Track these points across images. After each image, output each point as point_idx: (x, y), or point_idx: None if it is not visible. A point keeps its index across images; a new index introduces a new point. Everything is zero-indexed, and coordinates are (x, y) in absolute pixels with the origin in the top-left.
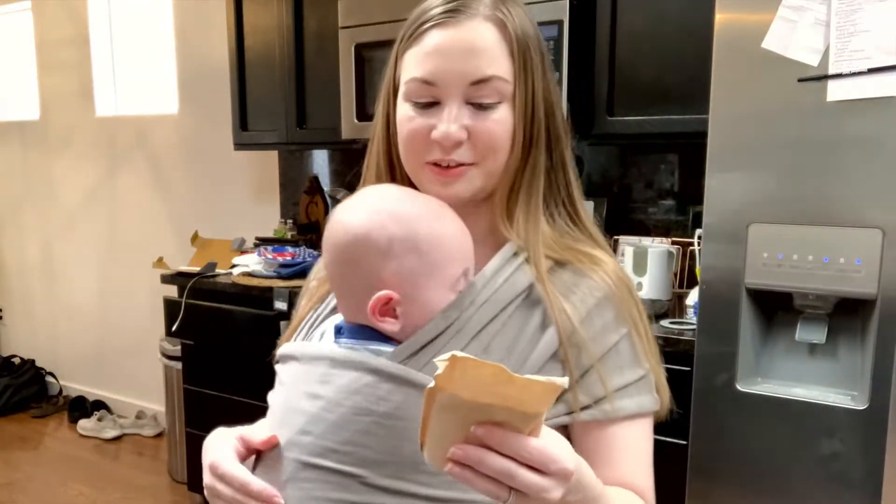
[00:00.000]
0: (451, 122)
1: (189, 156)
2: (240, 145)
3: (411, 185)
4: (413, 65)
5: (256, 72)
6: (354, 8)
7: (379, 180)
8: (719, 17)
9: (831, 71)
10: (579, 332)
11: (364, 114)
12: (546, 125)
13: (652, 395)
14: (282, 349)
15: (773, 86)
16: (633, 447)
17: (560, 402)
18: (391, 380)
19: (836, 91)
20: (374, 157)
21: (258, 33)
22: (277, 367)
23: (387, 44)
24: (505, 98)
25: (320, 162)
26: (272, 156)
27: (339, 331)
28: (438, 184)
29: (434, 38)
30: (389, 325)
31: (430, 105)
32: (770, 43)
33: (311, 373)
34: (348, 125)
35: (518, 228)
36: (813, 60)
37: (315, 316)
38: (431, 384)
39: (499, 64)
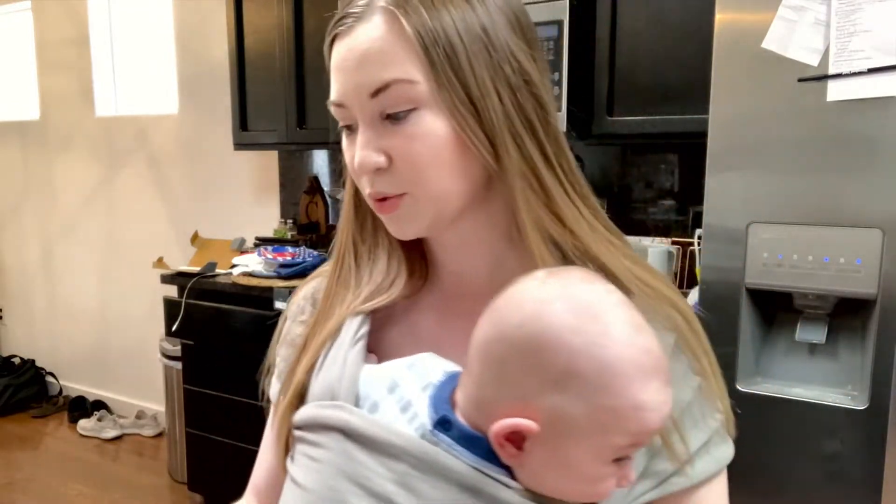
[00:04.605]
0: (361, 148)
1: (189, 156)
2: (240, 145)
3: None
4: (330, 87)
5: (256, 72)
6: None
7: (361, 221)
8: (719, 17)
9: (831, 71)
10: None
11: None
12: (519, 116)
13: (727, 441)
14: (312, 413)
15: (773, 86)
16: None
17: (648, 476)
18: None
19: (836, 91)
20: (350, 197)
21: (258, 33)
22: (303, 435)
23: None
24: (421, 104)
25: (320, 162)
26: (272, 156)
27: (442, 423)
28: (385, 221)
29: (335, 53)
30: (507, 455)
31: (355, 130)
32: (770, 43)
33: (378, 464)
34: None
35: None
36: (813, 60)
37: (338, 356)
38: None
39: (398, 65)
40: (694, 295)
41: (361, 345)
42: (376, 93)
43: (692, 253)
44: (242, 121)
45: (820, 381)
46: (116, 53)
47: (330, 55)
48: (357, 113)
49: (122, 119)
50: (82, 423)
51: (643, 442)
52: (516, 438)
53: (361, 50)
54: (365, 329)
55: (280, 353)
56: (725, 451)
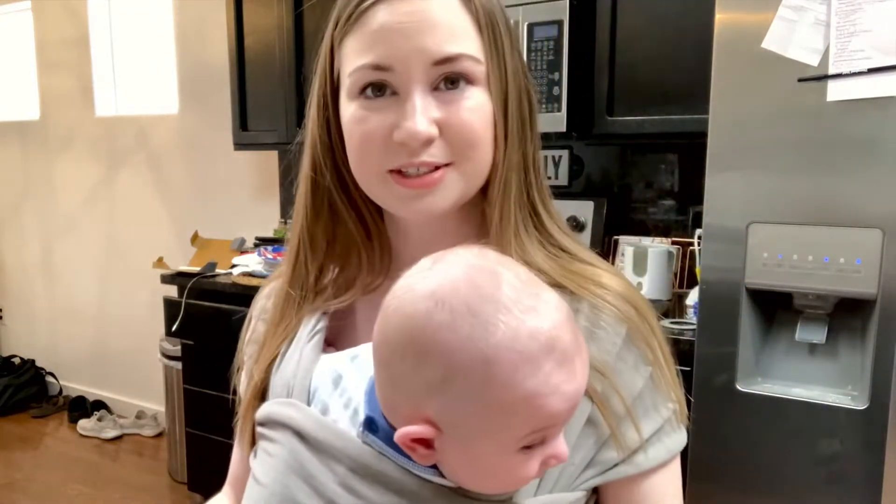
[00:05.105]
0: (418, 115)
1: (189, 156)
2: (240, 145)
3: (371, 207)
4: (357, 51)
5: (256, 72)
6: None
7: (318, 207)
8: (719, 17)
9: (831, 71)
10: (611, 381)
11: None
12: (520, 113)
13: (679, 430)
14: (268, 410)
15: (773, 86)
16: (666, 495)
17: (594, 465)
18: None
19: (836, 91)
20: (308, 181)
21: (258, 33)
22: (262, 431)
23: None
24: (478, 81)
25: None
26: (272, 156)
27: (370, 423)
28: (408, 198)
29: (382, 15)
30: (421, 457)
31: (383, 96)
32: (770, 43)
33: (323, 465)
34: None
35: (506, 246)
36: (813, 60)
37: (294, 353)
38: None
39: (465, 40)
40: (694, 295)
41: (317, 340)
42: (441, 62)
43: (692, 253)
44: (242, 121)
45: (820, 381)
46: (116, 53)
47: (358, 17)
48: (408, 79)
49: (122, 119)
50: (82, 423)
51: (555, 424)
52: (424, 440)
53: (432, 16)
54: (322, 325)
55: (247, 352)
56: (677, 440)
